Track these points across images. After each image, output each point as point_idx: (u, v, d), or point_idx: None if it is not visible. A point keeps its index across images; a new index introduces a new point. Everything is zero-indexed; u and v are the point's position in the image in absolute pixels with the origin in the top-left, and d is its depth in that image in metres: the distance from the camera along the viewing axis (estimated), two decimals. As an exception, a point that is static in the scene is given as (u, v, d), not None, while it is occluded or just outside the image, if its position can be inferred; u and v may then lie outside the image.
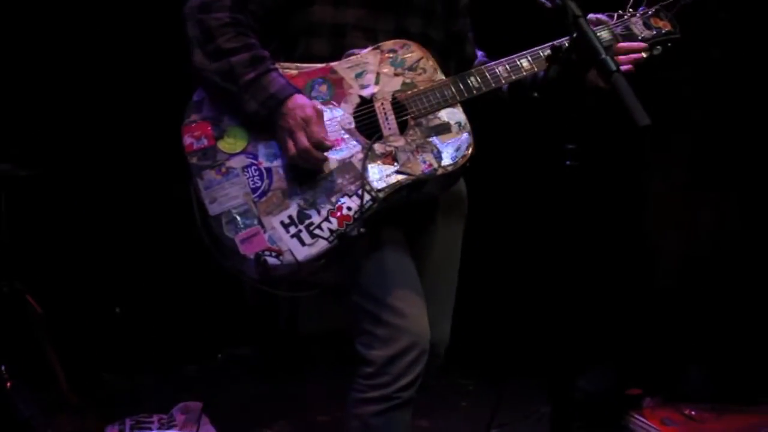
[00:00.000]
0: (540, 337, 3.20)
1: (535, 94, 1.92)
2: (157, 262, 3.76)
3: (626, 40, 2.00)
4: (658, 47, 2.02)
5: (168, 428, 2.66)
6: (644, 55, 1.99)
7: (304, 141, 1.80)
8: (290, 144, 1.81)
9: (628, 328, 3.24)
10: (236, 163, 1.85)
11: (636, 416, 3.04)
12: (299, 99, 1.83)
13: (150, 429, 1.63)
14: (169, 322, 3.78)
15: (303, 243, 1.79)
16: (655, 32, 2.02)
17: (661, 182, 3.71)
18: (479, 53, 2.19)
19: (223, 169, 1.85)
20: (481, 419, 3.02)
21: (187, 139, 1.88)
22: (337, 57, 1.93)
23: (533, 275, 3.18)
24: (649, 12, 2.04)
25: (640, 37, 2.01)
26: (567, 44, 1.66)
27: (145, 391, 3.40)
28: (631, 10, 2.04)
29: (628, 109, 1.46)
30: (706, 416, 2.99)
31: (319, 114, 1.84)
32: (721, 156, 3.51)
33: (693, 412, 3.01)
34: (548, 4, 1.67)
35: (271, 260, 1.78)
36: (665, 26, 2.03)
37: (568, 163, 1.66)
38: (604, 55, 1.53)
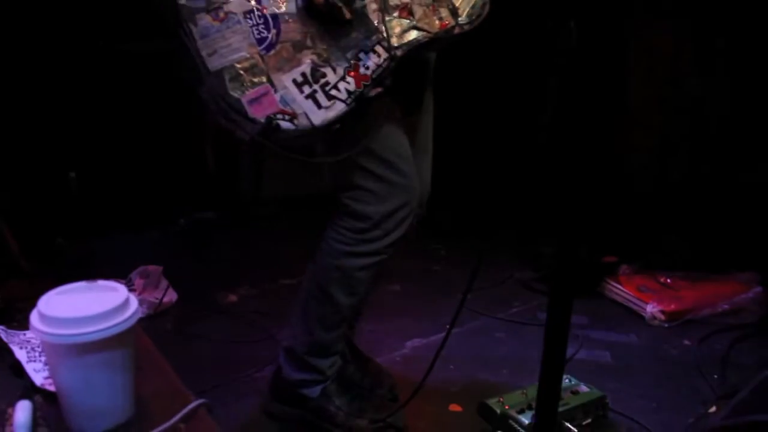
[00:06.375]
0: (514, 204, 3.18)
1: None
2: (115, 124, 3.42)
3: None
4: None
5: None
6: None
7: None
8: None
9: (603, 197, 3.15)
10: (235, 7, 1.58)
11: (612, 283, 3.04)
12: None
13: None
14: (128, 186, 3.51)
15: (319, 105, 1.60)
16: None
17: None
18: None
19: (221, 14, 1.57)
20: (453, 284, 2.99)
21: (172, -27, 1.56)
22: None
23: (510, 147, 3.07)
24: None
25: None
26: None
27: (103, 255, 3.18)
28: None
29: None
30: (681, 284, 3.00)
31: None
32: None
33: (668, 280, 3.02)
34: None
35: (285, 124, 1.57)
36: None
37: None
38: None
